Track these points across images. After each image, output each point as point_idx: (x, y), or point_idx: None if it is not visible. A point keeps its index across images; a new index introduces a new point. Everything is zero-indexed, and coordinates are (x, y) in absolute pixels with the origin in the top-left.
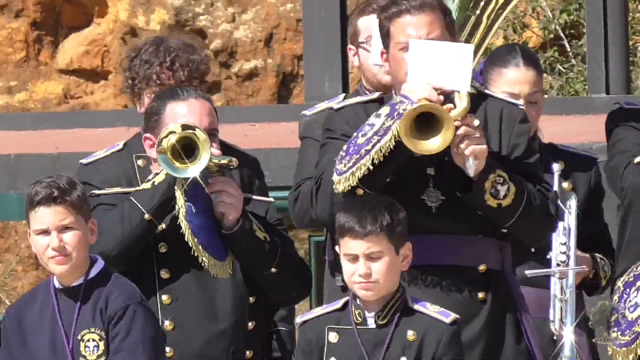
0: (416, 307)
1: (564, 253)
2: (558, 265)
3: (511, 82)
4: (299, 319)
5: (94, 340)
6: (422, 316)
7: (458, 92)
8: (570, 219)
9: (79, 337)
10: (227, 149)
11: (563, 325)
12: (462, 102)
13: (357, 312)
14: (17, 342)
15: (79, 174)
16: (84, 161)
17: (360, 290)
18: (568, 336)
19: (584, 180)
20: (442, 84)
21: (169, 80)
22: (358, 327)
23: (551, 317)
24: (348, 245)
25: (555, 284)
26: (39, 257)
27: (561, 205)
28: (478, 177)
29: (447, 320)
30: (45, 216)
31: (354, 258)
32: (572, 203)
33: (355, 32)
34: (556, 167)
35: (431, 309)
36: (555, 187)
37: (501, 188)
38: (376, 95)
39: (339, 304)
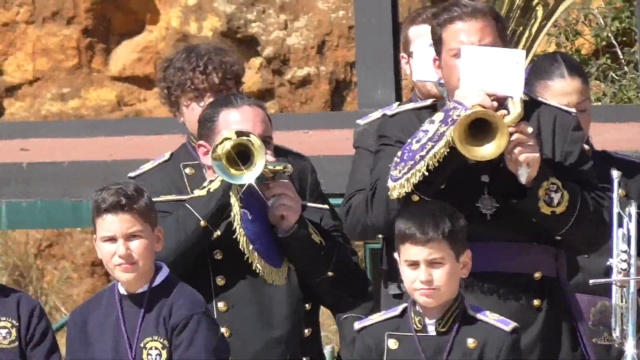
0: (476, 314)
1: (625, 261)
2: (619, 273)
3: (558, 93)
4: (356, 325)
5: (156, 348)
6: (482, 324)
7: (511, 98)
8: (630, 226)
9: (142, 345)
10: (277, 150)
11: (625, 338)
12: (515, 108)
13: (417, 319)
14: (80, 347)
15: None
16: (132, 174)
17: (421, 297)
18: (630, 348)
19: (637, 187)
20: (495, 90)
21: (203, 84)
22: (418, 334)
23: (613, 326)
24: (409, 252)
25: (616, 293)
26: (104, 264)
27: (621, 212)
28: (531, 185)
29: (508, 328)
30: (112, 223)
31: (415, 264)
32: (632, 210)
33: (406, 40)
34: (615, 174)
35: (491, 317)
36: (615, 194)
37: (555, 195)
38: (429, 101)
39: (397, 310)
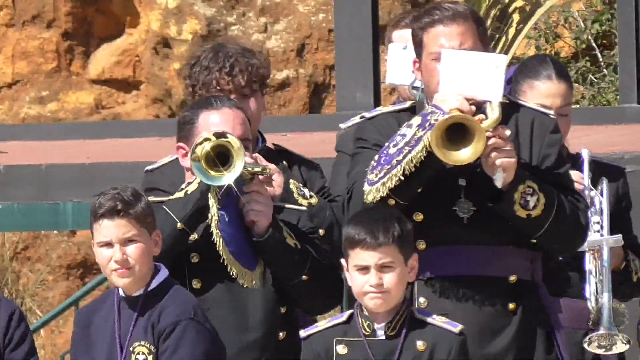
0: (423, 318)
1: (598, 232)
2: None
3: (544, 94)
4: (302, 333)
5: (143, 353)
6: (430, 326)
7: (490, 102)
8: (603, 201)
9: (131, 349)
10: (288, 155)
11: (600, 296)
12: (493, 113)
13: (365, 324)
14: (82, 346)
15: (146, 181)
16: (149, 168)
17: (371, 301)
18: (607, 303)
19: (611, 190)
20: (474, 94)
21: (228, 86)
22: (367, 338)
23: (587, 295)
24: (359, 257)
25: (589, 261)
26: (101, 269)
27: (592, 188)
28: (507, 188)
29: (456, 330)
30: (108, 229)
31: (365, 269)
32: (604, 186)
33: (390, 44)
34: (585, 153)
35: (438, 320)
36: (586, 174)
37: (530, 199)
38: (408, 104)
39: (343, 317)
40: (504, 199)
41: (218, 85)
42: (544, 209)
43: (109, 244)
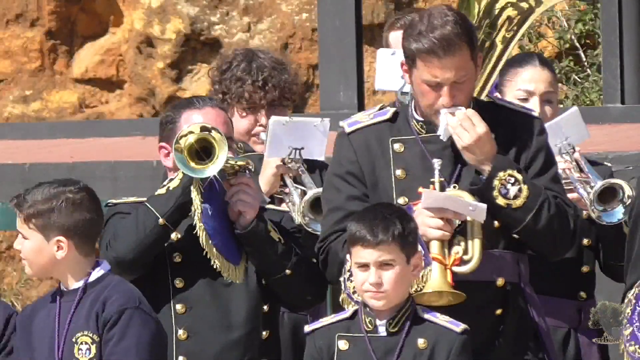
0: (426, 316)
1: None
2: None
3: (527, 80)
4: (307, 328)
5: (86, 343)
6: (432, 325)
7: None
8: (574, 157)
9: (74, 340)
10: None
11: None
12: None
13: (368, 320)
14: (23, 344)
15: None
16: None
17: (370, 299)
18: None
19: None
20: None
21: (261, 101)
22: (369, 334)
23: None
24: (359, 254)
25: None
26: None
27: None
28: (487, 175)
29: (458, 329)
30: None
31: (365, 267)
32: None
33: (387, 46)
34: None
35: (441, 318)
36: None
37: (511, 188)
38: (389, 114)
39: (348, 312)
40: (483, 183)
41: (250, 98)
42: (526, 201)
43: None
